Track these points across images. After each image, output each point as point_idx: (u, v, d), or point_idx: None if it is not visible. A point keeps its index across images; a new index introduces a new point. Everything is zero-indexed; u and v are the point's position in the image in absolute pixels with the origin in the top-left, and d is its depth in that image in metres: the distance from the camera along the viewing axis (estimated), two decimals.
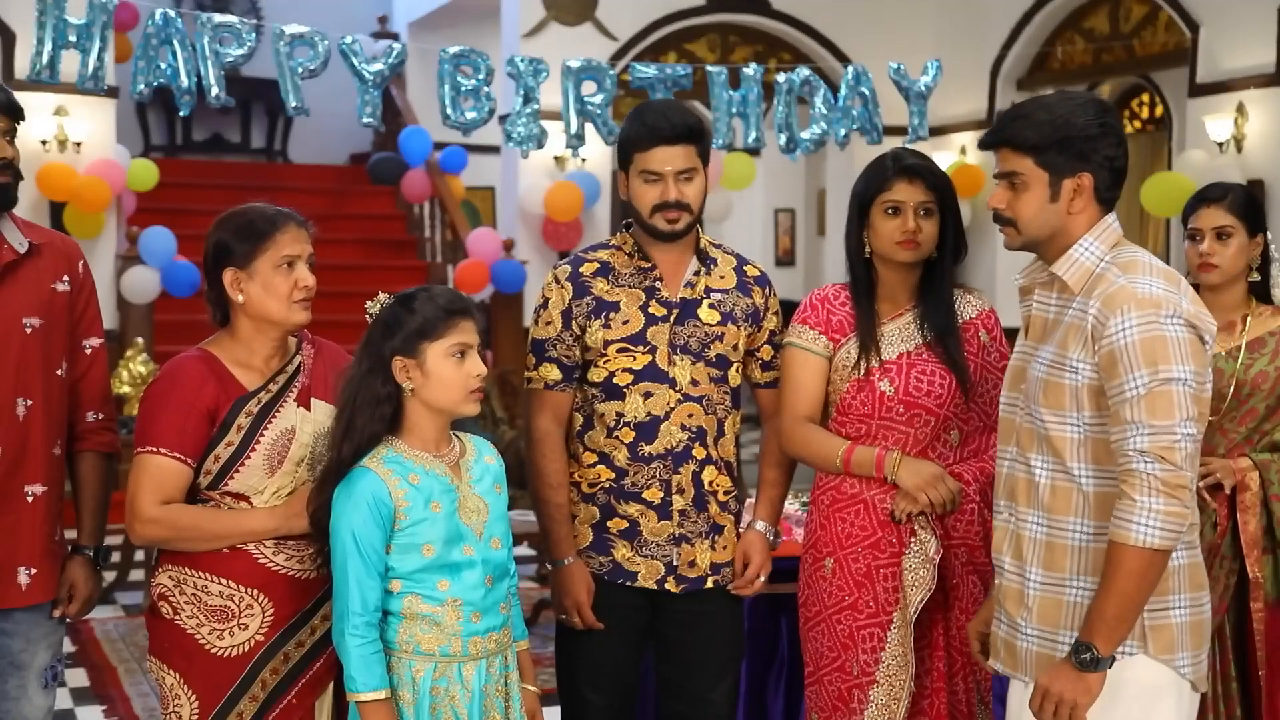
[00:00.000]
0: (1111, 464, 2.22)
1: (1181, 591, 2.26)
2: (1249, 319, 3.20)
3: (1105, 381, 2.21)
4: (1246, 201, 3.20)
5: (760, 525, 2.91)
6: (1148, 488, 2.13)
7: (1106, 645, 2.17)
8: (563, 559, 2.84)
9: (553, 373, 2.88)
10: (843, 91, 6.99)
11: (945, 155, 9.87)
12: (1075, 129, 2.26)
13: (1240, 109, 8.04)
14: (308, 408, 2.56)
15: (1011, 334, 3.00)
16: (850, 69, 7.06)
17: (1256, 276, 3.21)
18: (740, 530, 2.93)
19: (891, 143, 4.93)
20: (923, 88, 7.12)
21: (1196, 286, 3.27)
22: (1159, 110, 10.69)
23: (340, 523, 2.35)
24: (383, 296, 2.43)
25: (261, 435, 2.50)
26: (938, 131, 9.34)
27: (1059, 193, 2.28)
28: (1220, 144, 8.09)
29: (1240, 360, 3.16)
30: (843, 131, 6.98)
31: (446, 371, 2.38)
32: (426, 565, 2.37)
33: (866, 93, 6.96)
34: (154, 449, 2.46)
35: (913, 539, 2.74)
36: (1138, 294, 2.20)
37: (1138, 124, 11.03)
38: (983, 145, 2.43)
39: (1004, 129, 2.32)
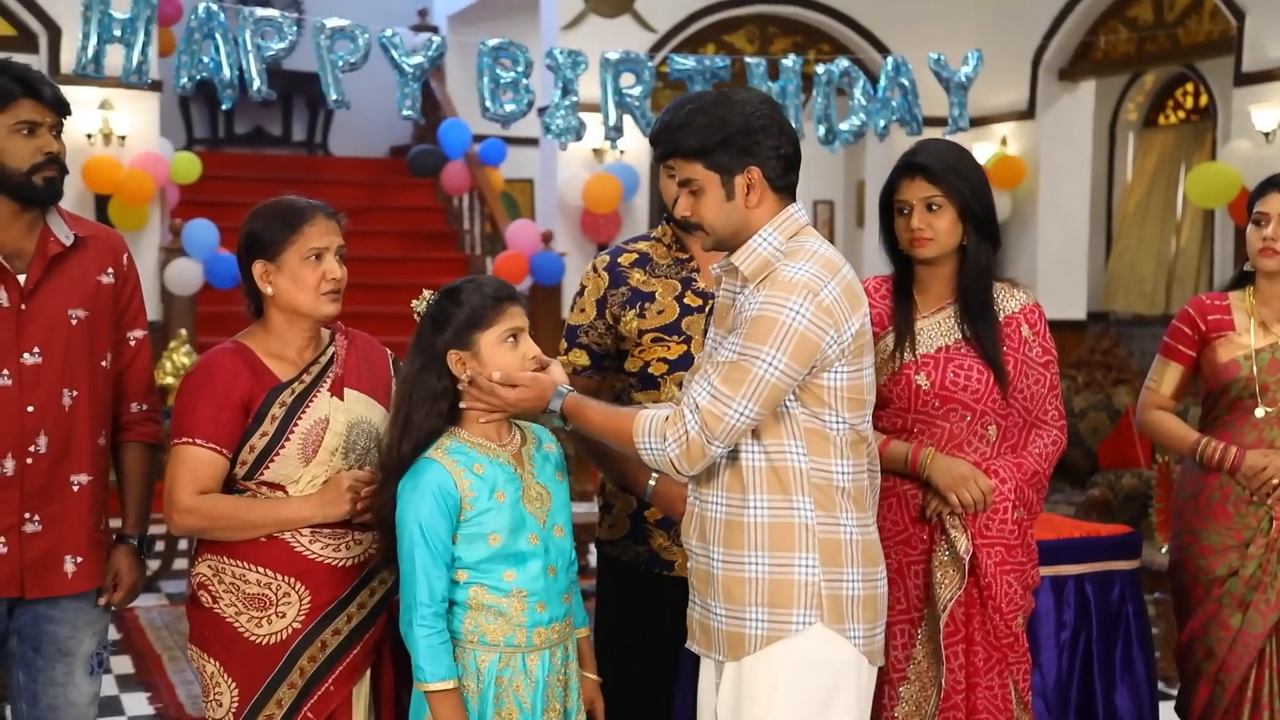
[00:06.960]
0: (776, 438, 2.29)
1: (854, 565, 2.33)
2: None
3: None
4: None
5: None
6: (677, 437, 2.24)
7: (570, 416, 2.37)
8: (651, 480, 2.77)
9: (581, 358, 2.90)
10: (882, 82, 6.96)
11: (986, 146, 9.79)
12: (734, 126, 2.29)
13: None
14: (341, 397, 2.58)
15: (1056, 328, 2.96)
16: (890, 60, 7.02)
17: None
18: None
19: (931, 134, 4.91)
20: (963, 78, 7.08)
21: (1252, 274, 3.22)
22: (1204, 100, 10.56)
23: (407, 514, 2.35)
24: (427, 294, 2.43)
25: (295, 425, 2.52)
26: (978, 122, 9.27)
27: (733, 190, 2.32)
28: (1266, 134, 7.99)
29: None
30: (882, 123, 6.95)
31: (501, 358, 2.38)
32: (492, 555, 2.37)
33: (906, 83, 6.92)
34: (190, 440, 2.49)
35: (943, 537, 2.73)
36: (781, 277, 2.26)
37: (1181, 114, 10.91)
38: (656, 159, 2.47)
39: (669, 141, 2.34)
